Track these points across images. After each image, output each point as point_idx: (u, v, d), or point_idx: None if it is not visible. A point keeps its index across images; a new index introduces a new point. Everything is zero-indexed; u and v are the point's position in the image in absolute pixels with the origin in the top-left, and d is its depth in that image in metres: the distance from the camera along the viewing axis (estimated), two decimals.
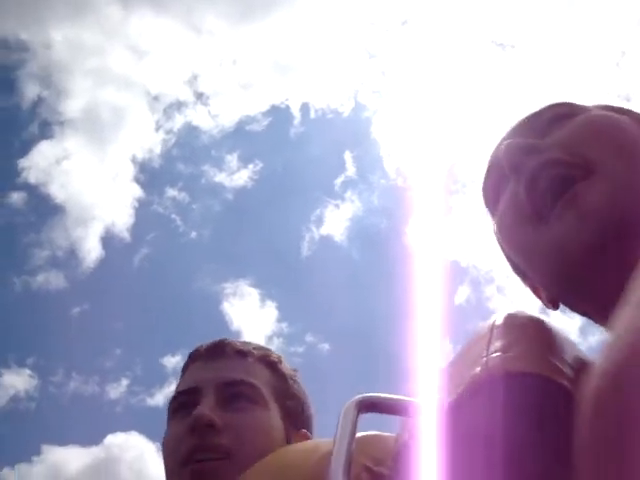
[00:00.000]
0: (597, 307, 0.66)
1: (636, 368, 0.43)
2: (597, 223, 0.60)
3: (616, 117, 0.68)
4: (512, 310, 0.69)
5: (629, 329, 0.46)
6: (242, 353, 1.07)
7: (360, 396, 0.62)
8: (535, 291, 0.76)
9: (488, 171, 0.73)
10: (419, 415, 0.61)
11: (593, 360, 0.57)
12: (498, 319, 0.67)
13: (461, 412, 0.58)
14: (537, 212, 0.65)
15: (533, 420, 0.55)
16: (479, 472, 0.54)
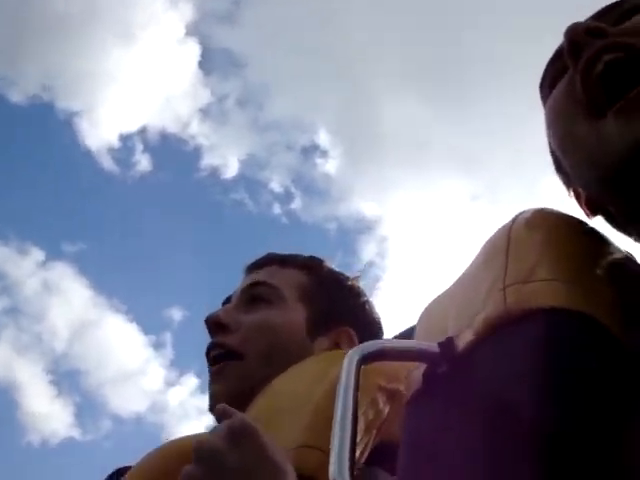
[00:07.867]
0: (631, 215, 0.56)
1: None
2: None
3: None
4: (536, 210, 0.56)
5: None
6: (282, 262, 1.05)
7: (362, 345, 0.51)
8: (576, 195, 0.66)
9: (555, 55, 0.64)
10: (430, 362, 0.50)
11: None
12: (517, 225, 0.55)
13: (473, 360, 0.46)
14: (591, 102, 0.54)
15: (564, 372, 0.43)
16: (494, 429, 0.43)
